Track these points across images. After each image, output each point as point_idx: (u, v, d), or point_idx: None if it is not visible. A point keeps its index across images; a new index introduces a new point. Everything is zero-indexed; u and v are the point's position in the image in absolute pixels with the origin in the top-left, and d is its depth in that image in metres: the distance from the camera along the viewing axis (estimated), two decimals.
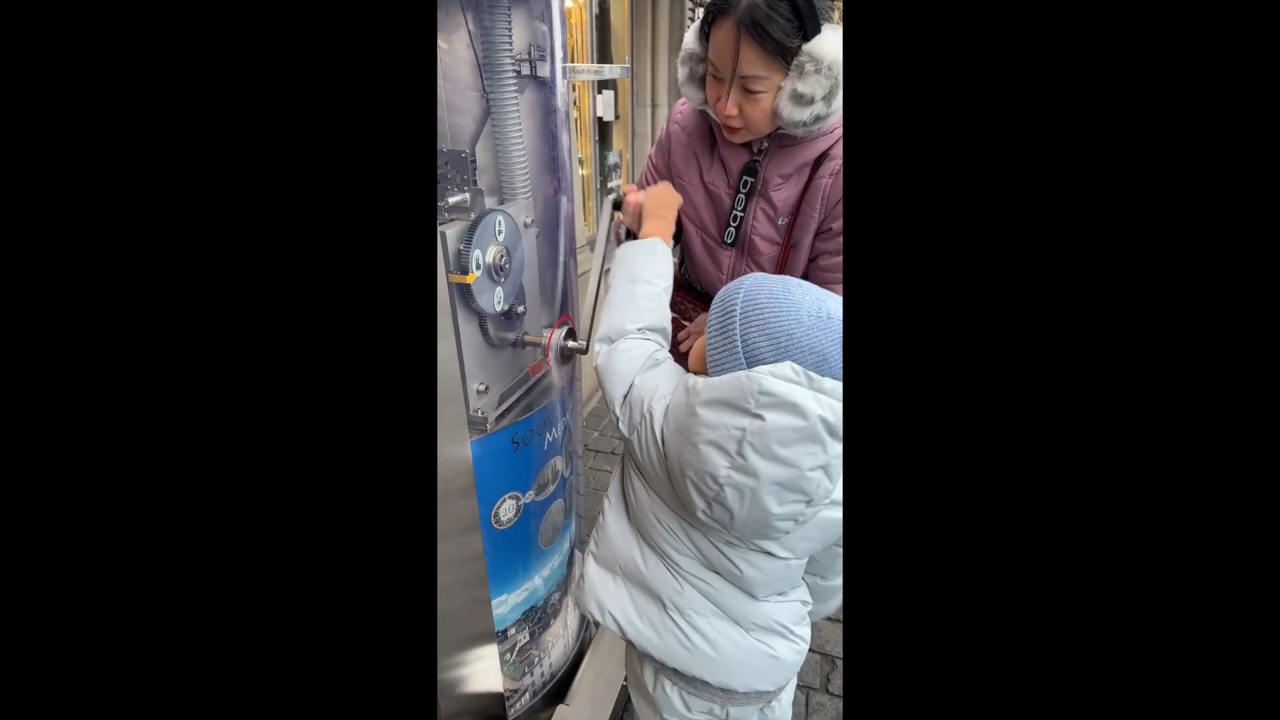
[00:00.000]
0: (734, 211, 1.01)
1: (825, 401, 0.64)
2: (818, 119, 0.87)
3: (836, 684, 1.51)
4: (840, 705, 1.47)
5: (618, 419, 0.80)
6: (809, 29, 0.81)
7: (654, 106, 5.11)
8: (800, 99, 0.84)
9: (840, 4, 0.84)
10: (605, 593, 0.86)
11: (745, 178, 0.99)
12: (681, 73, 0.96)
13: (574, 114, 3.95)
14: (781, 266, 1.03)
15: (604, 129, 4.62)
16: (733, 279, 0.80)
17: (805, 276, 1.01)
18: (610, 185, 4.82)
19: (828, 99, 0.84)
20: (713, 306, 0.75)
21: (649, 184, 1.11)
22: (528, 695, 1.23)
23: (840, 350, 0.66)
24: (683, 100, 1.03)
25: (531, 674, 1.22)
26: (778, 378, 0.64)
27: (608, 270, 0.95)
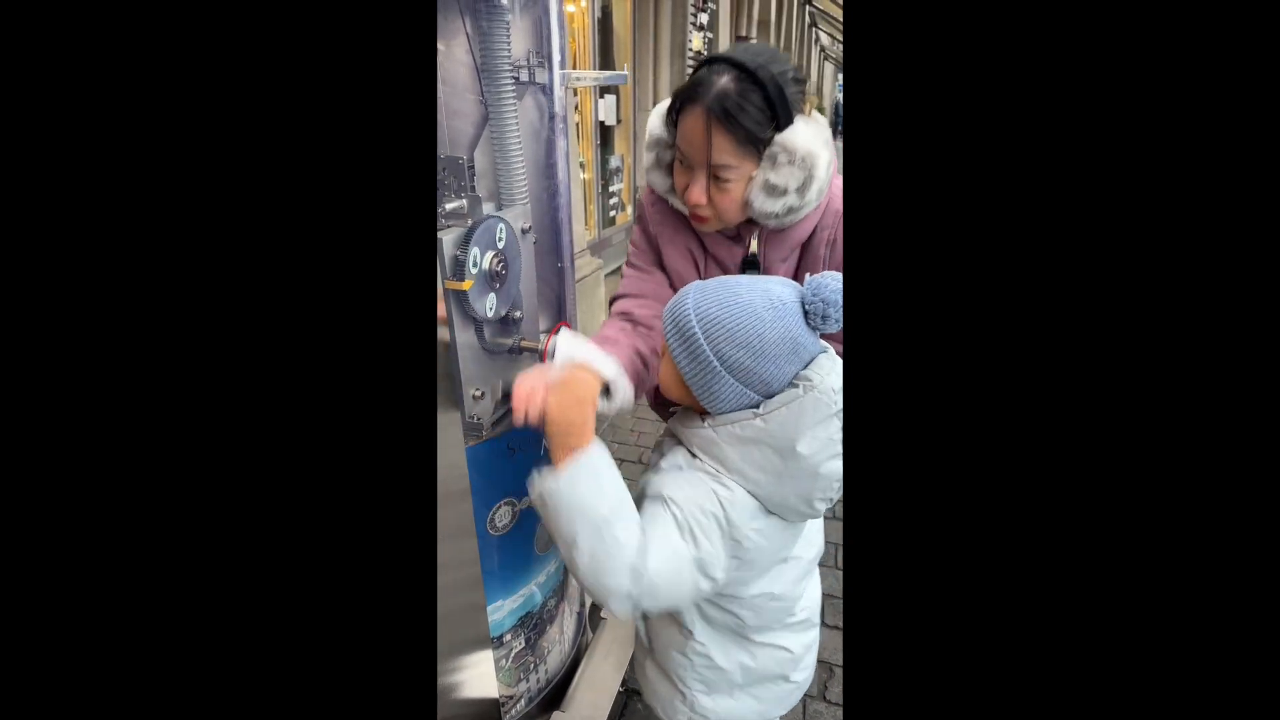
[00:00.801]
0: None
1: (837, 369, 0.71)
2: (790, 210, 0.85)
3: (834, 692, 1.50)
4: (838, 713, 1.46)
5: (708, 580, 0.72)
6: (781, 119, 0.80)
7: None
8: (773, 190, 0.82)
9: (812, 98, 0.83)
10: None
11: (749, 270, 0.98)
12: (648, 158, 0.93)
13: (575, 118, 3.97)
14: None
15: (606, 133, 4.63)
16: None
17: None
18: (612, 190, 4.83)
19: (800, 190, 0.83)
20: (665, 330, 0.73)
21: (636, 273, 1.03)
22: (523, 701, 1.22)
23: (803, 324, 0.70)
24: (649, 192, 0.99)
25: (527, 680, 1.21)
26: (824, 373, 0.70)
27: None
